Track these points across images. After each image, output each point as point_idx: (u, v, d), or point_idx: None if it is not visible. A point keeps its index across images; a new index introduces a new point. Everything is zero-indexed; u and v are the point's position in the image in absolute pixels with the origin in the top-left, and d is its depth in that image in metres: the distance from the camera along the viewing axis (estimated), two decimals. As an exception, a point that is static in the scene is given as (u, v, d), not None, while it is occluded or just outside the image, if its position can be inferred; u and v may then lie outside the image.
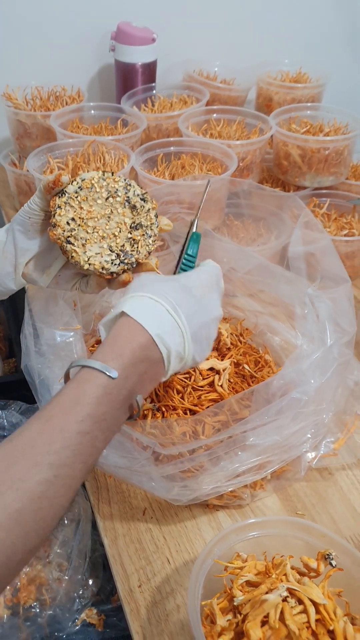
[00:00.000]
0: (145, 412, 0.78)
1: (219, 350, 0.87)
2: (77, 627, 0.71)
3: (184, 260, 0.75)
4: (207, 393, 0.80)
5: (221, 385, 0.80)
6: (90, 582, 0.71)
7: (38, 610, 0.67)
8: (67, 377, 0.57)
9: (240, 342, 0.90)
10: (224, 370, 0.82)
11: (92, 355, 0.56)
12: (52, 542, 0.72)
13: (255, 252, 0.97)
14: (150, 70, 1.39)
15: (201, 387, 0.81)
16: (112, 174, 0.69)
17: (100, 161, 1.09)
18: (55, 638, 0.68)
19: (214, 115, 1.25)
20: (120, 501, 0.75)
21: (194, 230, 0.76)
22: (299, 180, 1.22)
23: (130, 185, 0.69)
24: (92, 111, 1.28)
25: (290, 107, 1.28)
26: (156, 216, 0.71)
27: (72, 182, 0.68)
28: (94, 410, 0.52)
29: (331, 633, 0.55)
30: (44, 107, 1.31)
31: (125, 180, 0.69)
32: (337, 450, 0.77)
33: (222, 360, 0.85)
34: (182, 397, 0.79)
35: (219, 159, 1.13)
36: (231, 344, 0.89)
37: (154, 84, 1.41)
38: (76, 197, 0.67)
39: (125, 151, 1.10)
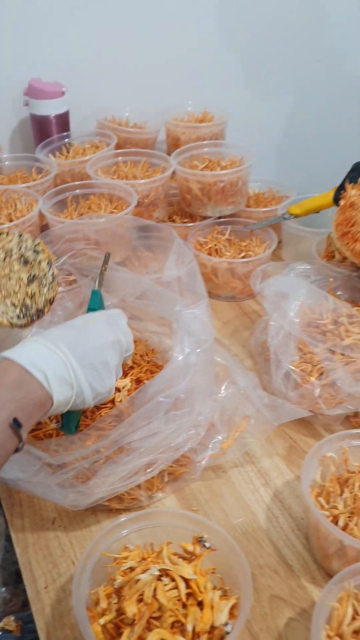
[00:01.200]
0: (50, 432, 0.86)
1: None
2: (-3, 635, 0.77)
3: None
4: (109, 409, 0.88)
5: (120, 401, 0.88)
6: (3, 589, 0.78)
7: None
8: None
9: (145, 361, 0.98)
10: (123, 388, 0.91)
11: None
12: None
13: (154, 278, 1.06)
14: (63, 121, 1.50)
15: (104, 404, 0.89)
16: (7, 234, 0.77)
17: (12, 207, 1.18)
18: (-27, 645, 0.74)
19: (120, 158, 1.36)
20: (31, 514, 0.82)
21: (95, 287, 0.84)
22: (202, 211, 1.33)
23: (22, 240, 0.77)
24: (7, 162, 1.37)
25: (192, 146, 1.39)
26: (49, 264, 0.79)
27: None
28: None
29: (201, 604, 0.62)
30: (-35, 162, 1.41)
31: (18, 235, 0.77)
32: (225, 449, 0.85)
33: (124, 378, 0.93)
34: (86, 417, 0.87)
35: (123, 197, 1.23)
36: (134, 363, 0.97)
37: (68, 133, 1.52)
38: None
39: (35, 197, 1.19)
